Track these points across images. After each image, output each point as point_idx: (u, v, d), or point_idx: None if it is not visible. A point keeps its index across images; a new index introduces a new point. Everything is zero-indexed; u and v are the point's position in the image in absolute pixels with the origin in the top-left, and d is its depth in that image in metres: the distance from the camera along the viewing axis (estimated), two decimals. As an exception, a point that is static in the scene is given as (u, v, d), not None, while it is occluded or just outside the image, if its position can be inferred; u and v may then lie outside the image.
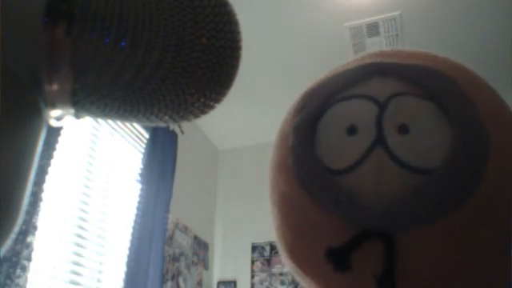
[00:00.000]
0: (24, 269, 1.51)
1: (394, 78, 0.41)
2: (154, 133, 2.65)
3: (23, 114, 0.36)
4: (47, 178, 1.63)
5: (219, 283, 3.42)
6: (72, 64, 0.37)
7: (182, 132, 2.92)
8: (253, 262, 3.38)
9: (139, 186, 2.51)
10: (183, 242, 3.01)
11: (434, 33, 2.61)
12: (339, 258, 0.36)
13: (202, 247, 3.31)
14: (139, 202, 2.47)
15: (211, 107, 0.45)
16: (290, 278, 3.21)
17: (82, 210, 2.10)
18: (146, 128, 2.68)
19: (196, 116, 0.44)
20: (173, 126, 2.81)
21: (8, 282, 1.43)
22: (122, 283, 2.25)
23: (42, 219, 1.73)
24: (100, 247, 2.21)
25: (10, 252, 1.45)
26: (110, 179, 2.38)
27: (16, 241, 1.48)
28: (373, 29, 2.61)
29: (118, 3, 0.38)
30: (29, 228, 1.54)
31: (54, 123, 0.40)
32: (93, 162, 2.24)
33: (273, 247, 3.31)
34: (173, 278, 2.80)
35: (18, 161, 0.35)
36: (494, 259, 0.35)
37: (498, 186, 0.34)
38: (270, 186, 0.44)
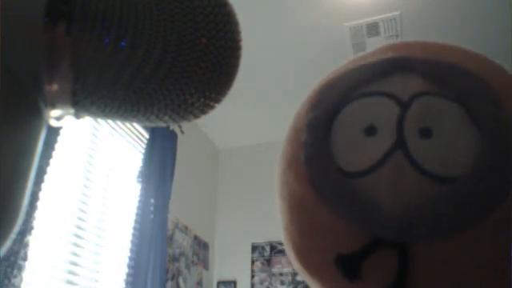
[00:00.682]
0: (20, 268, 1.51)
1: (418, 75, 0.38)
2: (154, 133, 2.65)
3: (23, 114, 0.36)
4: (46, 177, 1.63)
5: (219, 283, 3.42)
6: (72, 64, 0.37)
7: (182, 132, 2.92)
8: (253, 262, 3.38)
9: (139, 186, 2.51)
10: (183, 242, 3.01)
11: (433, 33, 2.61)
12: (349, 266, 0.34)
13: (201, 247, 3.31)
14: (139, 202, 2.47)
15: (211, 107, 0.45)
16: (289, 278, 3.21)
17: (81, 210, 2.10)
18: (145, 128, 2.68)
19: (196, 116, 0.44)
20: (173, 126, 2.81)
21: (6, 281, 1.43)
22: (120, 283, 2.25)
23: (40, 219, 1.73)
24: (98, 247, 2.21)
25: (8, 252, 1.45)
26: (110, 179, 2.38)
27: (14, 241, 1.48)
28: (373, 29, 2.61)
29: (118, 3, 0.38)
30: (27, 228, 1.54)
31: (53, 123, 0.40)
32: (92, 162, 2.23)
33: (273, 247, 3.31)
34: (173, 277, 2.79)
35: (17, 161, 0.35)
36: None
37: None
38: (280, 182, 0.42)
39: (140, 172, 2.53)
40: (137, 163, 2.61)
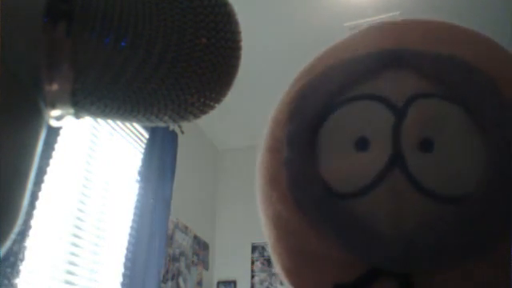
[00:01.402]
0: (19, 268, 1.51)
1: (414, 71, 0.33)
2: (154, 133, 2.65)
3: (23, 114, 0.36)
4: (46, 177, 1.63)
5: (219, 283, 3.42)
6: (72, 64, 0.37)
7: (182, 132, 2.92)
8: (253, 262, 3.38)
9: (138, 186, 2.50)
10: (183, 242, 3.01)
11: (433, 33, 2.61)
12: None
13: (201, 247, 3.31)
14: (138, 202, 2.47)
15: (211, 107, 0.44)
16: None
17: (80, 210, 2.10)
18: (145, 128, 2.68)
19: (196, 116, 0.44)
20: (173, 126, 2.80)
21: (5, 281, 1.43)
22: (119, 284, 2.24)
23: (39, 219, 1.73)
24: (97, 247, 2.21)
25: (8, 252, 1.45)
26: (110, 179, 2.38)
27: (14, 241, 1.48)
28: (373, 29, 2.61)
29: (118, 3, 0.38)
30: (26, 228, 1.54)
31: (53, 123, 0.40)
32: (92, 162, 2.23)
33: (273, 247, 3.31)
34: (173, 278, 2.79)
35: (18, 161, 0.35)
36: None
37: None
38: (262, 197, 0.37)
39: (139, 172, 2.53)
40: (136, 163, 2.61)
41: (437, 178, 0.29)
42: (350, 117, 0.33)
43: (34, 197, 1.56)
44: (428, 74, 0.32)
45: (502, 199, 0.27)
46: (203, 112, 0.44)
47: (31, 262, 1.70)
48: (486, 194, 0.27)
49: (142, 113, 0.42)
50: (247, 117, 3.44)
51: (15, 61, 0.34)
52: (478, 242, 0.27)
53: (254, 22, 2.55)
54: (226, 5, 0.43)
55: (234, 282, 3.39)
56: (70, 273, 1.98)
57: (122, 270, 2.28)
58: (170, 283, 2.73)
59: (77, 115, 0.41)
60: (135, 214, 2.44)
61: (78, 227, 2.07)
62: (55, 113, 0.39)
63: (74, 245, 2.03)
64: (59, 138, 1.77)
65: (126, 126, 2.58)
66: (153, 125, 0.45)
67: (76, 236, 2.05)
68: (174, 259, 2.85)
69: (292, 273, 0.35)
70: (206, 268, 3.34)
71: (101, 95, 0.39)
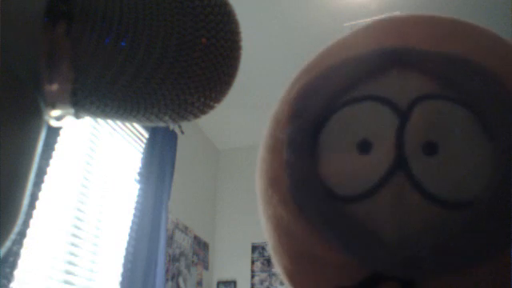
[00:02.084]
0: (18, 268, 1.51)
1: (419, 71, 0.32)
2: (154, 133, 2.65)
3: (23, 114, 0.36)
4: (46, 178, 1.63)
5: (219, 283, 3.42)
6: (72, 64, 0.37)
7: (182, 132, 2.92)
8: (253, 262, 3.38)
9: (138, 186, 2.50)
10: (183, 242, 3.01)
11: (433, 33, 2.61)
12: None
13: (202, 247, 3.31)
14: (137, 202, 2.47)
15: (211, 107, 0.44)
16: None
17: (80, 210, 2.10)
18: (145, 128, 2.68)
19: (196, 116, 0.44)
20: (173, 126, 2.80)
21: (5, 282, 1.43)
22: (118, 284, 2.24)
23: (39, 219, 1.73)
24: (97, 247, 2.21)
25: (8, 252, 1.45)
26: (109, 179, 2.38)
27: (14, 241, 1.48)
28: (373, 29, 2.61)
29: (118, 3, 0.38)
30: (26, 228, 1.54)
31: (53, 123, 0.40)
32: (92, 162, 2.23)
33: (273, 247, 3.31)
34: (173, 278, 2.79)
35: (17, 161, 0.35)
36: None
37: None
38: (262, 199, 0.36)
39: (139, 172, 2.53)
40: (136, 163, 2.61)
41: (441, 182, 0.28)
42: (352, 118, 0.32)
43: (34, 197, 1.56)
44: (433, 74, 0.31)
45: (508, 205, 0.26)
46: (203, 112, 0.44)
47: (30, 261, 1.70)
48: (492, 200, 0.27)
49: (142, 113, 0.42)
50: (247, 117, 3.44)
51: (15, 61, 0.34)
52: (483, 248, 0.27)
53: (254, 22, 2.55)
54: (226, 5, 0.43)
55: (234, 282, 3.39)
56: (69, 273, 1.98)
57: (121, 270, 2.28)
58: (170, 283, 2.73)
59: (77, 115, 0.41)
60: (135, 214, 2.44)
61: (77, 227, 2.07)
62: (55, 113, 0.39)
63: (74, 245, 2.03)
64: (59, 138, 1.77)
65: (126, 126, 2.58)
66: (153, 125, 0.45)
67: (75, 236, 2.05)
68: (174, 259, 2.85)
69: (293, 274, 0.35)
70: (206, 268, 3.35)
71: (101, 95, 0.39)
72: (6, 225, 0.34)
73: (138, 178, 2.51)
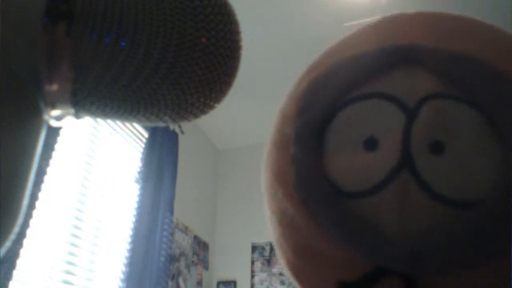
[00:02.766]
0: (18, 268, 1.51)
1: (427, 70, 0.32)
2: (154, 133, 2.65)
3: (23, 114, 0.36)
4: (46, 178, 1.63)
5: (219, 283, 3.42)
6: (72, 64, 0.37)
7: (182, 132, 2.92)
8: (253, 262, 3.38)
9: (138, 186, 2.50)
10: (183, 242, 3.01)
11: (433, 33, 2.61)
12: None
13: (201, 247, 3.31)
14: (137, 202, 2.47)
15: (211, 107, 0.44)
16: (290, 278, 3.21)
17: (80, 210, 2.10)
18: (145, 128, 2.68)
19: (196, 116, 0.44)
20: (173, 126, 2.81)
21: (5, 282, 1.43)
22: (117, 284, 2.24)
23: (39, 219, 1.73)
24: (96, 247, 2.21)
25: (8, 252, 1.45)
26: (109, 179, 2.38)
27: (14, 241, 1.48)
28: (373, 29, 2.61)
29: (117, 3, 0.38)
30: (26, 228, 1.54)
31: (53, 123, 0.40)
32: (91, 162, 2.23)
33: (273, 247, 3.29)
34: (173, 278, 2.79)
35: (18, 161, 0.35)
36: None
37: None
38: (268, 193, 0.37)
39: (139, 172, 2.53)
40: (136, 163, 2.61)
41: (447, 182, 0.28)
42: (359, 115, 0.32)
43: (34, 197, 1.56)
44: (441, 73, 0.31)
45: None
46: (203, 112, 0.44)
47: (31, 261, 1.70)
48: (499, 200, 0.27)
49: (142, 113, 0.42)
50: (247, 117, 3.44)
51: (15, 61, 0.34)
52: (486, 248, 0.27)
53: (254, 22, 2.56)
54: (226, 5, 0.43)
55: (234, 282, 3.39)
56: (68, 273, 1.98)
57: (120, 270, 2.28)
58: (170, 283, 2.73)
59: (77, 115, 0.41)
60: (135, 215, 2.43)
61: (77, 227, 2.07)
62: (55, 113, 0.39)
63: (73, 245, 2.03)
64: (59, 138, 1.77)
65: (126, 126, 2.58)
66: (153, 125, 0.45)
67: (75, 236, 2.05)
68: (174, 259, 2.85)
69: (296, 268, 0.35)
70: (206, 268, 3.34)
71: (101, 95, 0.39)
72: (6, 225, 0.34)
73: (137, 178, 2.51)
